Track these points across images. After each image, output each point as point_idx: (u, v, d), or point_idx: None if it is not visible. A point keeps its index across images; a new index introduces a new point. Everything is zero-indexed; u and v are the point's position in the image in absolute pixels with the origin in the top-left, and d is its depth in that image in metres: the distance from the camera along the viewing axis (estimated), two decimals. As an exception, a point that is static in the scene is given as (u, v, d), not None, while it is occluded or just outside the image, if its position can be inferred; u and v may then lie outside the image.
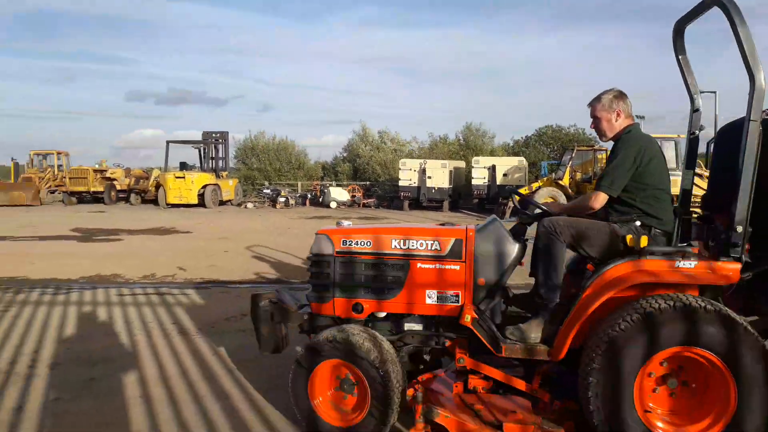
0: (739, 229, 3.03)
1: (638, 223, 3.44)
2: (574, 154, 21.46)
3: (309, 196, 30.89)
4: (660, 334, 2.94)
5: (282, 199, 28.24)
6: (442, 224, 3.89)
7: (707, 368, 2.97)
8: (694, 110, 3.82)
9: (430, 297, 3.54)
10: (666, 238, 3.49)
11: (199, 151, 30.14)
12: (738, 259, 3.08)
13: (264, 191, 32.24)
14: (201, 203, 25.86)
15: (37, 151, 38.13)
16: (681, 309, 2.94)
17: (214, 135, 29.82)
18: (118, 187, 34.58)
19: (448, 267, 3.51)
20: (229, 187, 28.96)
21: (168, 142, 29.00)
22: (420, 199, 26.39)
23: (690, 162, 3.89)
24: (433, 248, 3.54)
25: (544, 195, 19.98)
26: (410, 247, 3.58)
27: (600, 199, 3.46)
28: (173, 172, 27.18)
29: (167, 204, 26.28)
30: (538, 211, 3.77)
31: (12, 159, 37.61)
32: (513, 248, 3.52)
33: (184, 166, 28.74)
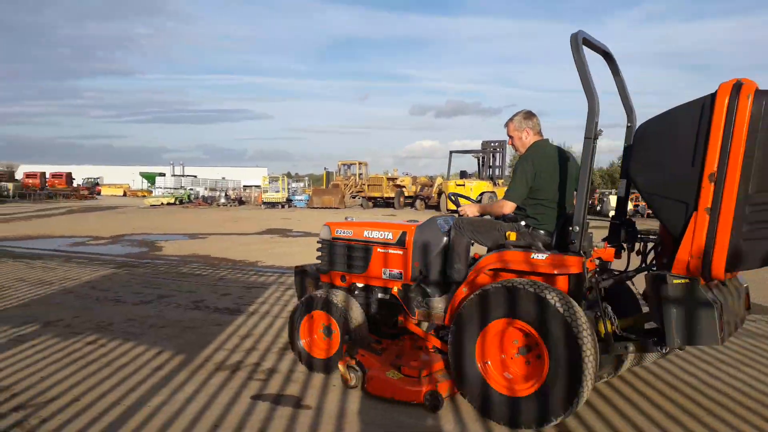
0: (576, 228, 3.80)
1: (523, 223, 4.22)
2: None
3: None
4: (491, 307, 3.84)
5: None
6: (410, 220, 5.07)
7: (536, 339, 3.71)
8: (628, 125, 4.40)
9: (385, 273, 4.77)
10: (549, 237, 4.13)
11: (478, 159, 31.28)
12: (577, 254, 3.81)
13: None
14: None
15: (344, 161, 43.70)
16: (508, 289, 3.77)
17: (492, 144, 30.68)
18: (406, 194, 37.82)
19: (395, 252, 4.71)
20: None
21: (451, 152, 30.78)
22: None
23: (624, 172, 4.20)
24: (387, 238, 4.77)
25: None
26: (373, 236, 4.84)
27: (507, 207, 4.27)
28: (454, 180, 28.79)
29: (448, 210, 27.85)
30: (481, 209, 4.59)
31: (324, 168, 44.25)
32: (441, 240, 4.54)
33: (464, 174, 30.18)
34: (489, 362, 3.89)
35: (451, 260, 4.41)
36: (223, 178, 61.66)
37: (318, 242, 5.24)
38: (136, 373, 4.76)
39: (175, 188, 49.41)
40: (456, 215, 4.65)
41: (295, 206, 38.46)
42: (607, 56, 4.35)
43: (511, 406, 3.73)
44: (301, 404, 4.16)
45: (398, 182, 38.93)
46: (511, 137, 4.47)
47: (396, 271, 4.70)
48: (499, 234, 4.26)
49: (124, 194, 62.46)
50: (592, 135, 3.71)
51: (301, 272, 5.49)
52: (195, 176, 60.05)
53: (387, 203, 39.06)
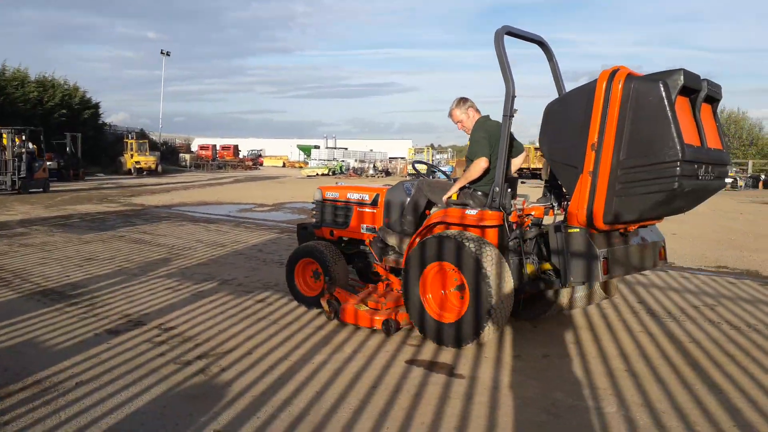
0: (497, 189, 4.59)
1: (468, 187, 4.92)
2: None
3: (763, 177, 26.44)
4: (428, 253, 4.72)
5: (729, 180, 24.95)
6: (386, 185, 5.95)
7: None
8: None
9: (363, 228, 5.78)
10: (485, 197, 4.77)
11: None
12: (497, 209, 4.58)
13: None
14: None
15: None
16: (439, 239, 4.66)
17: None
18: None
19: (370, 210, 5.72)
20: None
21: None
22: None
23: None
24: (364, 199, 5.78)
25: None
26: (354, 197, 5.86)
27: (481, 162, 4.78)
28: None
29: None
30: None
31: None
32: (405, 200, 5.37)
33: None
34: (429, 296, 4.78)
35: (407, 215, 5.27)
36: (371, 150, 63.45)
37: (312, 203, 6.33)
38: (300, 332, 5.10)
39: (328, 160, 51.82)
40: (420, 179, 5.50)
41: (440, 177, 38.47)
42: (541, 44, 5.30)
43: (440, 329, 4.64)
44: (454, 372, 4.20)
45: (549, 153, 37.28)
46: (459, 122, 5.17)
47: (371, 226, 5.71)
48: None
49: (283, 165, 66.71)
50: (508, 113, 4.56)
51: (302, 228, 6.56)
52: (346, 148, 62.47)
53: (533, 174, 37.77)
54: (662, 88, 3.90)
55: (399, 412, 3.56)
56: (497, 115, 5.00)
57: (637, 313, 5.84)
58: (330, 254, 5.68)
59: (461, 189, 4.94)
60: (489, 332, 4.41)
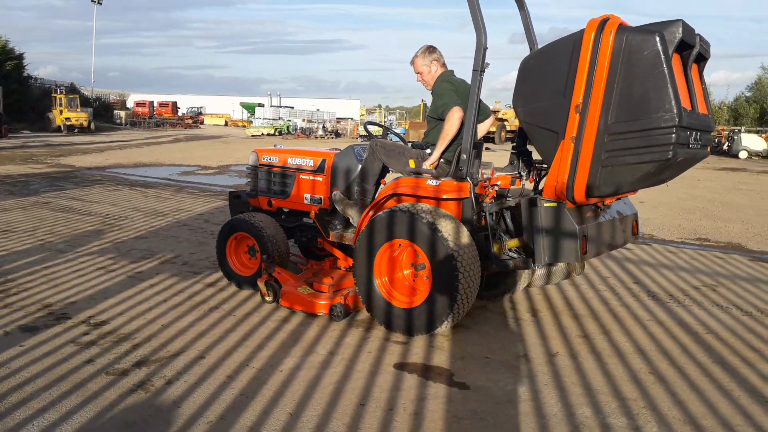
0: (464, 156, 4.03)
1: (428, 151, 4.34)
2: None
3: (714, 143, 26.95)
4: (382, 230, 4.13)
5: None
6: (333, 149, 5.23)
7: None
8: None
9: (306, 199, 5.03)
10: (448, 164, 4.25)
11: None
12: (465, 180, 4.01)
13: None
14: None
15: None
16: (395, 212, 4.07)
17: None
18: (508, 128, 35.93)
19: (315, 178, 4.96)
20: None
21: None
22: None
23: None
24: (308, 165, 5.00)
25: None
26: (296, 163, 5.08)
27: (455, 112, 4.10)
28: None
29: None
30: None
31: (422, 101, 42.86)
32: (357, 167, 4.74)
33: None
34: (385, 278, 4.21)
35: (360, 181, 4.68)
36: (318, 110, 61.54)
37: (246, 168, 5.49)
38: (262, 326, 4.28)
39: (273, 119, 49.84)
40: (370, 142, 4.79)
41: (392, 139, 37.68)
42: None
43: (396, 314, 4.12)
44: (454, 380, 3.49)
45: (500, 115, 36.96)
46: (419, 73, 4.53)
47: (316, 196, 4.97)
48: (406, 160, 4.43)
49: (226, 124, 63.98)
50: (479, 68, 3.97)
51: (234, 196, 5.70)
52: (292, 107, 60.33)
53: (486, 137, 37.44)
54: (659, 42, 3.38)
55: (398, 441, 2.83)
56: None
57: (637, 296, 5.29)
58: (267, 228, 4.92)
59: (424, 157, 4.35)
60: (454, 317, 3.92)
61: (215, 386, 3.30)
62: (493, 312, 4.75)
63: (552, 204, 3.78)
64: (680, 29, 3.48)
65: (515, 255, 4.06)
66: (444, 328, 4.00)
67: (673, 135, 3.39)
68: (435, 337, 4.12)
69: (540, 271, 4.73)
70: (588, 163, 3.61)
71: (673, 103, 3.35)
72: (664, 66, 3.37)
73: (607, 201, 4.15)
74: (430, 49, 4.52)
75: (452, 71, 4.54)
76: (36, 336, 3.95)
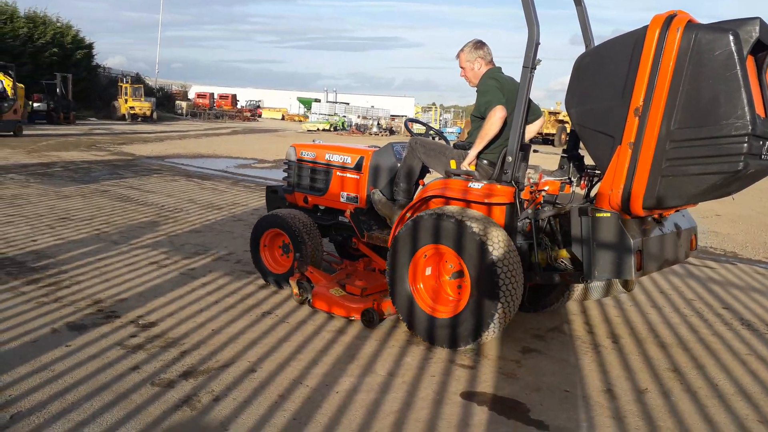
0: (509, 159, 3.75)
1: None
2: None
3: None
4: (421, 233, 3.86)
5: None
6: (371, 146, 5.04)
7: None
8: None
9: (343, 197, 4.86)
10: (492, 167, 3.98)
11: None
12: (509, 184, 3.75)
13: None
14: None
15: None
16: (435, 215, 3.78)
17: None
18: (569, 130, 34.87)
19: (352, 176, 4.79)
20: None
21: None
22: None
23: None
24: (346, 162, 4.83)
25: None
26: (333, 160, 4.90)
27: (498, 111, 3.87)
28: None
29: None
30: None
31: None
32: (395, 165, 4.62)
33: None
34: (421, 285, 3.99)
35: (398, 180, 4.47)
36: (372, 107, 61.33)
37: (284, 163, 5.31)
38: (316, 336, 3.98)
39: (329, 114, 49.97)
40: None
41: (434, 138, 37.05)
42: None
43: (434, 325, 3.85)
44: (530, 417, 3.09)
45: (561, 117, 35.90)
46: (463, 68, 4.30)
47: (353, 194, 4.78)
48: (447, 160, 4.21)
49: (282, 118, 64.63)
50: (530, 64, 3.67)
51: (271, 191, 5.59)
52: (347, 103, 60.40)
53: (545, 140, 36.46)
54: (732, 41, 3.05)
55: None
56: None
57: (730, 324, 4.73)
58: (302, 226, 4.75)
59: (478, 154, 4.04)
60: (493, 331, 3.63)
61: (266, 407, 3.02)
62: (568, 335, 4.31)
63: (605, 214, 3.48)
64: (757, 28, 3.13)
65: (563, 267, 3.74)
66: (473, 346, 3.77)
67: (745, 144, 3.07)
68: (505, 362, 3.73)
69: (596, 284, 4.27)
70: (647, 172, 3.34)
71: (746, 109, 3.03)
72: (738, 68, 3.04)
73: (666, 213, 3.81)
74: (478, 45, 4.25)
75: (500, 68, 4.26)
76: (83, 335, 3.77)
